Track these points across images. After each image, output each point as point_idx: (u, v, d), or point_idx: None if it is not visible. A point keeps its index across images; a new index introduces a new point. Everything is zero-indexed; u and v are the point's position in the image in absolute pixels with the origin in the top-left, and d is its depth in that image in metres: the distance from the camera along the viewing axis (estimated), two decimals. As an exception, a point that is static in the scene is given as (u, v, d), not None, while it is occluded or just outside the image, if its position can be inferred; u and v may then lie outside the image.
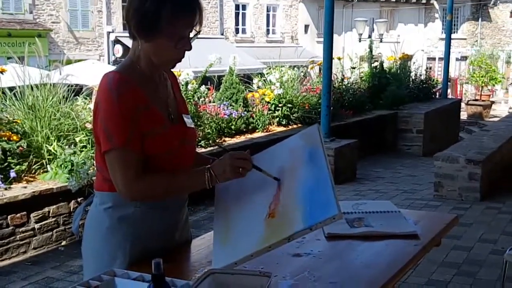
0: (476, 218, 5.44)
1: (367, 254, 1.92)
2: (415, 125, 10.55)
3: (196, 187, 1.85)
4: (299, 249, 1.94)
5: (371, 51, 12.05)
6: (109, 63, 20.32)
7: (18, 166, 5.03)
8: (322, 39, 7.95)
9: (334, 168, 6.96)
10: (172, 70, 2.01)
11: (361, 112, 10.17)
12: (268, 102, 8.51)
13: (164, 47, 1.79)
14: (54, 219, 4.95)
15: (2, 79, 5.73)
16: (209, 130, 6.94)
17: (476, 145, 6.89)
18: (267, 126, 8.21)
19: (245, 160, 1.81)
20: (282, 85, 8.76)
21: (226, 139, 7.41)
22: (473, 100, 23.04)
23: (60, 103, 5.68)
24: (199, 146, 6.55)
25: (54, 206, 4.95)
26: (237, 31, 26.18)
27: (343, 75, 10.90)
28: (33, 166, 5.23)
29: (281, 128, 8.44)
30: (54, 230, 4.96)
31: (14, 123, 5.32)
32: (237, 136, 7.64)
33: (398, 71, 12.16)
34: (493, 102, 23.29)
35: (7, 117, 5.37)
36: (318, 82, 9.60)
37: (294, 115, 8.67)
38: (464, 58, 29.46)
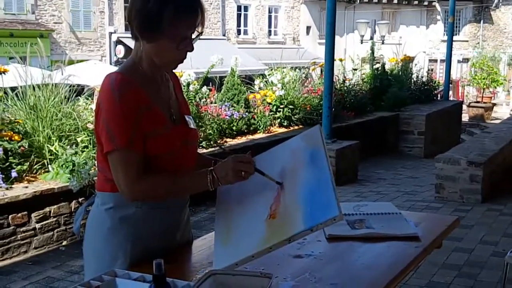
0: (477, 220, 5.44)
1: (368, 255, 1.92)
2: (416, 127, 10.55)
3: (198, 189, 1.86)
4: (300, 250, 1.94)
5: (372, 52, 12.05)
6: (111, 63, 20.33)
7: (19, 166, 5.03)
8: (324, 41, 7.95)
9: (335, 169, 6.96)
10: (173, 71, 2.01)
11: (362, 113, 10.17)
12: (270, 103, 8.51)
13: (166, 48, 1.80)
14: (55, 219, 4.95)
15: (4, 79, 5.74)
16: (210, 131, 6.94)
17: (478, 147, 6.88)
18: (269, 127, 8.21)
19: (247, 163, 1.81)
20: (284, 86, 8.76)
21: (228, 140, 7.41)
22: (475, 102, 23.05)
23: (61, 103, 5.68)
24: (200, 147, 6.55)
25: (55, 206, 4.95)
26: (239, 32, 26.20)
27: (345, 77, 10.89)
28: (35, 166, 5.23)
29: (283, 129, 8.44)
30: (55, 230, 4.96)
31: (16, 123, 5.32)
32: (239, 137, 7.64)
33: (400, 73, 12.15)
34: (494, 104, 23.30)
35: (9, 117, 5.37)
36: (319, 83, 9.61)
37: (295, 116, 8.67)
38: (466, 60, 29.47)
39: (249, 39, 26.42)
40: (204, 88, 7.59)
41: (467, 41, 31.43)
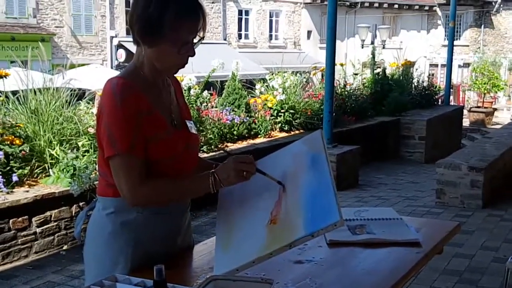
0: (478, 225, 5.43)
1: (369, 261, 1.92)
2: (417, 132, 10.55)
3: (200, 192, 1.85)
4: (301, 256, 1.94)
5: (373, 57, 12.06)
6: (112, 67, 20.36)
7: (20, 170, 5.03)
8: (324, 45, 7.96)
9: (336, 174, 6.95)
10: (174, 75, 2.01)
11: (363, 118, 10.17)
12: (271, 108, 8.51)
13: (167, 53, 1.80)
14: (55, 223, 4.95)
15: (5, 83, 5.75)
16: (211, 136, 6.95)
17: (479, 152, 6.88)
18: (269, 132, 8.21)
19: (249, 164, 1.81)
20: (285, 90, 8.77)
21: (228, 144, 7.41)
22: (476, 107, 23.04)
23: (63, 107, 5.69)
24: (201, 151, 6.55)
25: (56, 211, 4.95)
26: (240, 36, 26.24)
27: (346, 81, 10.91)
28: (35, 170, 5.23)
29: (283, 134, 8.45)
30: (56, 235, 4.96)
31: (17, 127, 5.32)
32: (239, 142, 7.64)
33: (401, 78, 12.17)
34: (495, 109, 23.29)
35: (10, 121, 5.38)
36: (320, 88, 9.61)
37: (296, 121, 8.67)
38: (466, 65, 29.48)
39: (250, 44, 26.46)
40: (205, 93, 7.60)
41: (468, 46, 31.45)
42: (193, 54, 1.84)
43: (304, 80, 9.76)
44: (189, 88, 7.15)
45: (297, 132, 8.59)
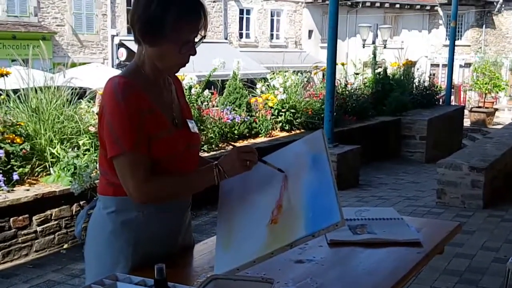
0: (479, 225, 5.42)
1: (370, 261, 1.92)
2: (418, 132, 10.54)
3: (205, 184, 1.86)
4: (302, 256, 1.94)
5: (374, 57, 12.05)
6: (113, 66, 20.36)
7: (21, 169, 5.04)
8: (326, 45, 7.96)
9: (337, 173, 6.94)
10: (176, 74, 2.01)
11: (364, 118, 10.16)
12: (271, 107, 8.51)
13: (168, 52, 1.80)
14: (56, 222, 4.95)
15: (6, 82, 5.75)
16: (212, 135, 6.95)
17: (479, 153, 6.87)
18: (270, 131, 8.21)
19: (251, 153, 1.84)
20: (286, 90, 8.76)
21: (228, 144, 7.41)
22: (477, 107, 23.03)
23: (63, 106, 5.69)
24: (202, 151, 6.55)
25: (57, 209, 4.95)
26: (241, 35, 26.22)
27: (347, 81, 10.90)
28: (36, 169, 5.23)
29: (284, 133, 8.44)
30: (56, 233, 4.96)
31: (18, 126, 5.32)
32: (240, 141, 7.64)
33: (402, 77, 12.16)
34: (496, 109, 23.27)
35: (10, 119, 5.38)
36: (321, 87, 9.61)
37: (297, 120, 8.67)
38: (468, 65, 29.46)
39: (251, 43, 26.45)
40: (206, 92, 7.60)
41: (469, 46, 31.43)
42: (194, 53, 1.84)
43: (305, 79, 9.76)
44: (190, 87, 7.15)
45: (298, 131, 8.58)
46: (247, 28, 26.57)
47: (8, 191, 4.75)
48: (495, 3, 31.19)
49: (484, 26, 31.73)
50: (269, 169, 1.90)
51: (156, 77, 1.88)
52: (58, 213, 4.96)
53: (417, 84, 12.66)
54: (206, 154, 6.46)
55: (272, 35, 27.54)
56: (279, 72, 9.24)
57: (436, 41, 31.52)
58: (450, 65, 13.27)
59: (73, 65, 10.42)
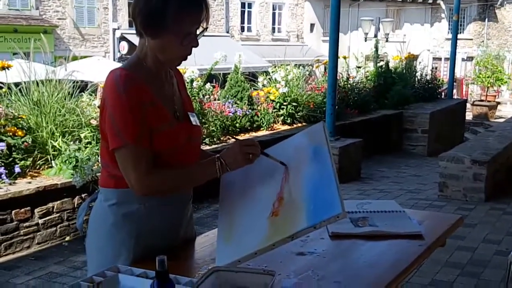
0: (481, 218, 5.42)
1: (371, 253, 1.92)
2: (420, 125, 10.53)
3: (207, 177, 1.86)
4: (303, 248, 1.94)
5: (376, 50, 12.02)
6: (114, 60, 20.35)
7: (22, 162, 5.04)
8: (327, 38, 7.94)
9: (338, 167, 6.94)
10: (177, 67, 2.01)
11: (366, 111, 10.15)
12: (273, 101, 8.50)
13: (170, 44, 1.79)
14: (58, 214, 4.96)
15: (8, 75, 5.74)
16: (213, 128, 6.94)
17: (482, 146, 6.86)
18: (272, 125, 8.20)
19: (253, 146, 1.84)
20: (287, 83, 8.75)
21: (231, 137, 7.41)
22: (479, 100, 22.97)
23: (65, 99, 5.69)
24: (203, 144, 6.55)
25: (58, 202, 4.96)
26: (242, 29, 26.18)
27: (349, 74, 10.87)
28: (38, 162, 5.24)
29: (286, 127, 8.44)
30: (58, 226, 4.97)
31: (20, 119, 5.33)
32: (242, 134, 7.63)
33: (404, 71, 12.13)
34: (498, 103, 23.21)
35: (12, 112, 5.38)
36: (323, 81, 9.59)
37: (299, 113, 8.66)
38: (470, 58, 29.37)
39: (253, 36, 26.40)
40: (208, 85, 7.59)
41: (471, 39, 31.34)
42: (196, 45, 1.83)
43: (307, 73, 9.73)
44: (192, 81, 7.14)
45: (299, 125, 8.58)
46: (249, 22, 26.52)
47: (10, 184, 4.76)
48: (497, -4, 31.10)
49: (486, 19, 31.64)
50: (270, 161, 1.90)
51: (158, 70, 1.87)
52: (60, 206, 4.97)
53: (419, 77, 12.64)
54: (207, 147, 6.46)
55: (273, 28, 27.49)
56: (281, 65, 9.22)
57: (438, 35, 31.44)
58: (452, 59, 13.24)
59: (75, 58, 10.43)
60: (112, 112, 1.76)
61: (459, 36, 15.33)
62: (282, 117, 8.53)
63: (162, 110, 1.82)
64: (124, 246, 1.85)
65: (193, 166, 1.89)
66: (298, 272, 1.74)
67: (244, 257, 1.65)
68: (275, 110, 8.44)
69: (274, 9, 27.41)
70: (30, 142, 5.16)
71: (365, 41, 18.19)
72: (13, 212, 4.64)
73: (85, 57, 15.14)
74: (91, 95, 6.29)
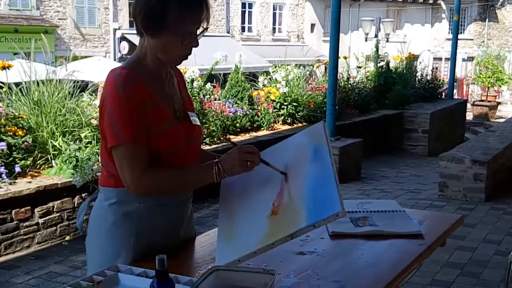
0: (481, 218, 5.43)
1: (371, 253, 1.92)
2: (420, 125, 10.53)
3: (203, 182, 1.85)
4: (303, 247, 1.94)
5: (377, 50, 12.02)
6: (115, 60, 20.35)
7: (23, 161, 5.04)
8: (328, 38, 7.94)
9: (339, 167, 6.94)
10: (178, 67, 2.00)
11: (366, 111, 10.15)
12: (273, 101, 8.51)
13: (170, 44, 1.79)
14: (58, 214, 4.96)
15: (8, 75, 5.74)
16: (214, 128, 6.94)
17: (482, 146, 6.87)
18: (272, 125, 8.20)
19: (253, 154, 1.82)
20: (288, 83, 8.75)
21: (231, 136, 7.41)
22: (479, 100, 22.96)
23: (65, 99, 5.69)
24: (204, 144, 6.55)
25: (59, 201, 4.96)
26: (243, 29, 26.18)
27: (349, 74, 10.87)
28: (38, 161, 5.24)
29: (286, 127, 8.44)
30: (58, 225, 4.97)
31: (20, 118, 5.33)
32: (242, 134, 7.64)
33: (404, 71, 12.13)
34: (499, 103, 23.20)
35: (13, 112, 5.38)
36: (323, 81, 9.60)
37: (299, 113, 8.66)
38: (470, 58, 29.36)
39: (254, 36, 26.40)
40: (208, 85, 7.59)
41: (472, 39, 31.33)
42: (196, 45, 1.83)
43: (307, 73, 9.74)
44: (192, 81, 7.15)
45: (300, 125, 8.58)
46: (249, 22, 26.52)
47: (10, 183, 4.76)
48: (498, -4, 31.09)
49: (487, 19, 31.62)
50: (270, 161, 1.89)
51: (158, 70, 1.87)
52: (60, 205, 4.97)
53: (419, 77, 12.64)
54: (207, 147, 6.46)
55: (274, 28, 27.49)
56: (281, 65, 9.23)
57: (439, 35, 31.44)
58: (453, 59, 13.24)
59: (75, 58, 10.43)
60: (111, 111, 1.76)
61: (459, 36, 15.33)
62: (282, 117, 8.54)
63: (162, 110, 1.82)
64: (124, 245, 1.85)
65: (190, 169, 1.87)
66: (298, 272, 1.74)
67: (243, 257, 1.64)
68: (275, 110, 8.44)
69: (274, 9, 27.41)
70: (30, 142, 5.16)
71: (366, 41, 18.19)
72: (13, 211, 4.64)
73: (85, 57, 15.13)
74: (91, 95, 6.29)
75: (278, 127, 8.38)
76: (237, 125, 7.59)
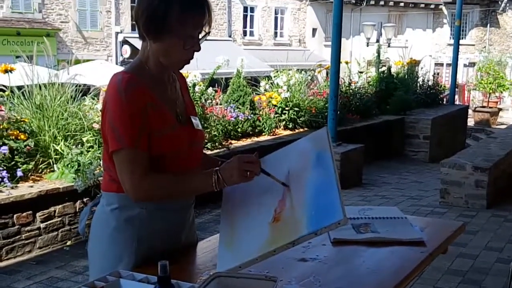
0: (482, 226, 5.42)
1: (373, 260, 1.91)
2: (421, 131, 10.52)
3: (203, 190, 1.85)
4: (305, 254, 1.94)
5: (378, 55, 12.04)
6: (117, 63, 20.37)
7: (25, 165, 5.04)
8: (329, 43, 7.95)
9: (340, 172, 6.84)
10: (180, 71, 2.01)
11: (368, 117, 10.15)
12: (275, 105, 8.51)
13: (173, 48, 1.79)
14: (59, 218, 4.96)
15: (10, 78, 5.75)
16: (215, 133, 6.94)
17: (483, 152, 6.86)
18: (274, 130, 8.20)
19: (253, 163, 1.80)
20: (289, 88, 8.76)
21: (233, 141, 7.41)
22: (481, 106, 22.96)
23: (67, 102, 5.69)
24: (205, 148, 6.54)
25: (60, 206, 4.96)
26: (245, 33, 26.21)
27: (351, 79, 10.89)
28: (40, 166, 5.24)
29: (288, 132, 8.44)
30: (60, 230, 4.97)
31: (22, 122, 5.33)
32: (244, 139, 7.64)
33: (406, 76, 12.14)
34: (500, 109, 23.20)
35: (15, 116, 5.39)
36: (325, 86, 9.60)
37: (300, 118, 8.66)
38: (472, 64, 29.38)
39: (255, 41, 26.44)
40: (210, 89, 7.59)
41: (473, 45, 31.34)
42: (198, 49, 1.83)
43: (309, 78, 9.74)
44: (194, 85, 7.14)
45: (301, 130, 8.58)
46: (251, 26, 26.55)
47: (12, 188, 4.75)
48: (499, 2, 31.10)
49: (488, 25, 31.64)
50: (273, 167, 1.89)
51: (161, 73, 1.87)
52: (61, 210, 4.97)
53: (421, 83, 12.64)
54: (209, 152, 6.45)
55: (276, 33, 27.52)
56: (283, 70, 9.23)
57: (440, 40, 31.45)
58: (454, 64, 13.25)
59: (77, 62, 10.42)
60: (112, 115, 1.77)
61: (461, 41, 15.35)
62: (284, 122, 8.54)
63: (164, 114, 1.83)
64: (126, 250, 1.85)
65: (190, 177, 1.86)
66: (300, 278, 1.74)
67: (245, 263, 1.64)
68: (277, 115, 8.45)
69: (276, 13, 27.45)
70: (32, 146, 5.16)
71: (367, 46, 18.18)
72: (14, 216, 4.64)
73: (87, 60, 15.16)
74: (93, 98, 6.29)
75: (280, 132, 8.38)
76: (239, 130, 7.59)
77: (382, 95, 11.00)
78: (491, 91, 22.53)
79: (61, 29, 19.96)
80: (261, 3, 26.53)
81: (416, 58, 13.37)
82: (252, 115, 7.87)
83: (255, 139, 7.77)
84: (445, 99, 13.49)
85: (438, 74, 26.39)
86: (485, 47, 31.00)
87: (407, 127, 10.60)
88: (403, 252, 1.98)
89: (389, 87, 11.18)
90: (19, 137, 5.07)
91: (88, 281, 1.65)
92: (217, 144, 6.90)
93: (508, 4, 31.06)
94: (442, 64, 30.11)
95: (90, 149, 5.39)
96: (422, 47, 26.81)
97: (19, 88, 5.72)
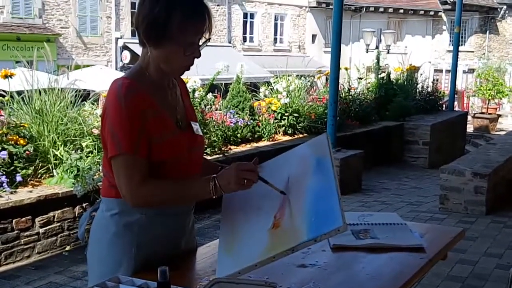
0: (482, 232, 5.41)
1: (373, 266, 1.91)
2: (421, 137, 10.53)
3: (201, 197, 1.84)
4: (304, 260, 1.93)
5: (378, 62, 12.05)
6: (116, 69, 20.40)
7: (24, 170, 5.04)
8: (329, 49, 7.96)
9: (339, 178, 6.85)
10: (180, 77, 2.01)
11: (367, 122, 10.15)
12: (275, 111, 8.51)
13: (173, 54, 1.80)
14: (58, 224, 4.95)
15: (10, 83, 5.76)
16: (215, 138, 6.94)
17: (483, 159, 6.86)
18: (273, 135, 8.20)
19: (251, 171, 1.79)
20: (289, 94, 8.77)
21: (232, 147, 7.41)
22: (480, 113, 22.98)
23: (67, 108, 5.69)
24: (204, 154, 6.53)
25: (59, 211, 4.95)
26: (244, 39, 26.26)
27: (350, 86, 10.90)
28: (39, 171, 5.24)
29: (287, 137, 8.44)
30: (59, 235, 4.96)
31: (22, 127, 5.33)
32: (243, 145, 7.64)
33: (405, 83, 12.15)
34: (499, 116, 23.22)
35: (14, 121, 5.39)
36: (324, 92, 9.61)
37: (300, 124, 8.67)
38: (471, 70, 29.43)
39: (255, 47, 26.49)
40: (210, 95, 7.60)
41: (472, 51, 31.42)
42: (198, 55, 1.84)
43: (309, 83, 9.75)
44: (194, 91, 7.15)
45: (300, 135, 8.58)
46: (251, 32, 26.61)
47: (11, 193, 4.75)
48: (499, 9, 31.22)
49: (487, 32, 31.74)
50: (272, 172, 1.89)
51: (161, 79, 1.88)
52: (60, 215, 4.96)
53: (420, 89, 12.65)
54: (209, 158, 6.45)
55: (275, 39, 27.57)
56: (283, 76, 9.25)
57: (439, 47, 31.52)
58: (453, 71, 13.27)
59: (77, 67, 10.44)
60: (112, 121, 1.77)
61: (460, 48, 15.38)
62: (283, 128, 8.54)
63: (164, 119, 1.83)
64: (125, 256, 1.85)
65: (187, 184, 1.85)
66: (300, 284, 1.74)
67: (244, 269, 1.64)
68: (276, 120, 8.45)
69: (276, 19, 27.51)
70: (31, 151, 5.16)
71: (367, 52, 18.22)
72: (13, 221, 4.63)
73: (87, 66, 15.19)
74: (93, 104, 6.30)
75: (279, 138, 8.38)
76: (238, 135, 7.59)
77: (381, 101, 11.01)
78: (490, 97, 22.56)
79: (61, 34, 19.99)
80: (261, 10, 26.60)
81: (415, 65, 13.39)
82: (251, 121, 7.88)
83: (255, 144, 7.77)
84: (444, 105, 13.50)
85: (437, 80, 26.43)
86: (484, 53, 31.08)
87: (406, 133, 10.61)
88: (402, 258, 1.98)
89: (389, 93, 11.19)
90: (18, 142, 5.07)
91: (87, 286, 1.64)
92: (216, 149, 6.90)
93: (507, 11, 31.17)
94: (441, 71, 30.16)
95: (90, 155, 5.38)
96: (422, 54, 26.88)
97: (19, 93, 5.72)
